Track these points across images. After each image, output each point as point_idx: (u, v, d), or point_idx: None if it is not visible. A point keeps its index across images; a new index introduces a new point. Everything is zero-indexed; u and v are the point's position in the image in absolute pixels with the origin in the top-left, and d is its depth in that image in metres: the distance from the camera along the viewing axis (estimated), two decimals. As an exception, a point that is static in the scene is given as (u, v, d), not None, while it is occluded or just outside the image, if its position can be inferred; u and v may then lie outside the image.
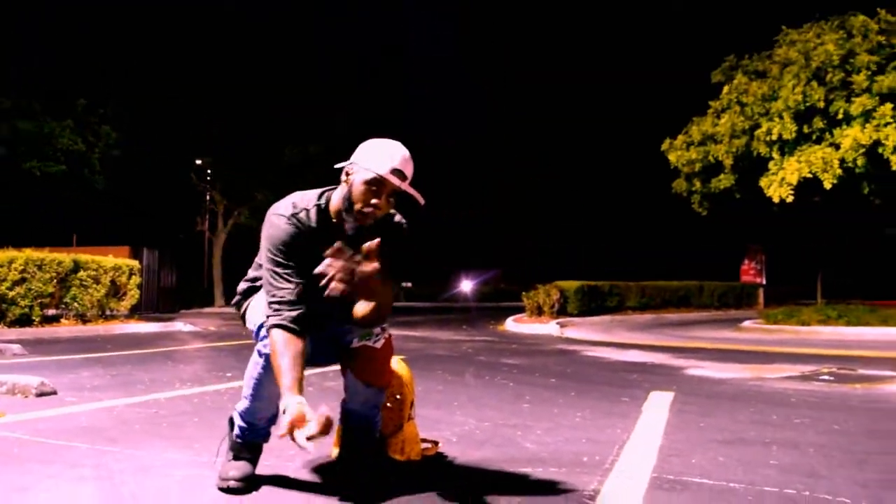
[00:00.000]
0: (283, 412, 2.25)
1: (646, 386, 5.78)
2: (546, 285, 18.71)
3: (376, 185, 2.48)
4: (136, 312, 15.37)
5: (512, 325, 16.21)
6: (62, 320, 12.81)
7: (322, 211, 2.62)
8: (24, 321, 11.79)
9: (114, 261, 14.10)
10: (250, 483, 2.63)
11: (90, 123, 27.26)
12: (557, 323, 15.69)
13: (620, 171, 47.13)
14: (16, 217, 26.39)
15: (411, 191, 2.53)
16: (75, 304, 12.98)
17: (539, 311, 18.27)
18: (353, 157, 2.57)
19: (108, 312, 13.89)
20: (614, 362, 8.06)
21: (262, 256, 2.62)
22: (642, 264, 38.70)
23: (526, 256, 47.86)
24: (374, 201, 2.48)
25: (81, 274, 13.09)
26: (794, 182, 13.43)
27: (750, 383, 6.09)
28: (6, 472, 2.82)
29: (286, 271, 2.53)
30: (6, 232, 21.30)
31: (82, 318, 13.14)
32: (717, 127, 15.62)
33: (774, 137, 13.89)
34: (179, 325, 14.39)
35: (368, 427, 2.80)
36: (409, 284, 47.27)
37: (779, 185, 13.72)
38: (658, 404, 4.82)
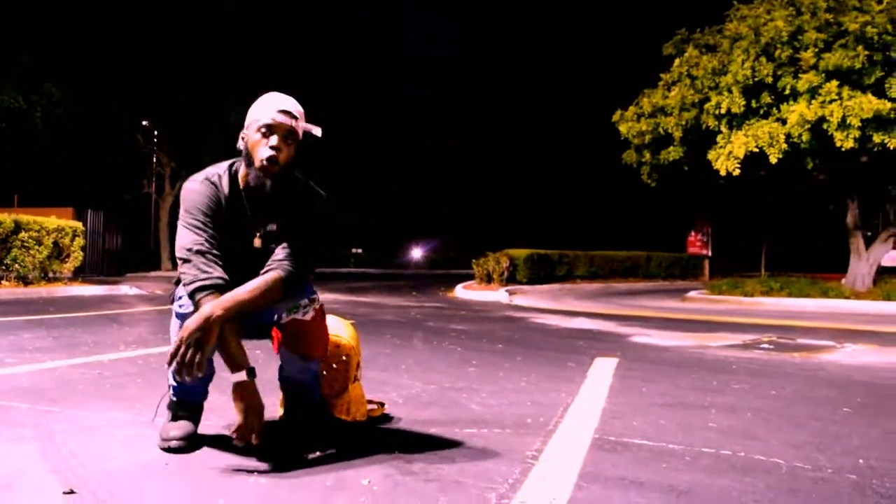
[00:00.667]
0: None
1: (591, 352, 5.87)
2: (496, 253, 18.82)
3: (267, 129, 2.56)
4: (80, 275, 15.10)
5: (461, 292, 16.29)
6: (2, 282, 12.53)
7: (232, 177, 2.67)
8: (-37, 282, 11.51)
9: (57, 222, 13.79)
10: (191, 442, 2.63)
11: (32, 81, 26.48)
12: (506, 290, 15.82)
13: (571, 141, 47.39)
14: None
15: (305, 126, 2.63)
16: (16, 266, 12.69)
17: (489, 279, 18.38)
18: (244, 128, 2.66)
19: (50, 275, 13.62)
20: (561, 329, 8.16)
21: (179, 225, 2.62)
22: (591, 234, 39.13)
23: (476, 224, 47.99)
24: (271, 144, 2.55)
25: (23, 235, 12.79)
26: (741, 156, 13.63)
27: (692, 351, 6.23)
28: (-58, 430, 2.77)
29: (200, 225, 2.56)
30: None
31: (24, 280, 12.86)
32: (668, 99, 15.74)
33: (723, 111, 14.05)
34: (125, 289, 14.17)
35: (306, 391, 2.82)
36: (360, 251, 47.20)
37: (726, 158, 13.92)
38: (602, 369, 4.91)
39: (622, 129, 17.00)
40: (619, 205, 43.93)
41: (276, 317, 2.63)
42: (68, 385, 3.83)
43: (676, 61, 16.15)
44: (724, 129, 14.36)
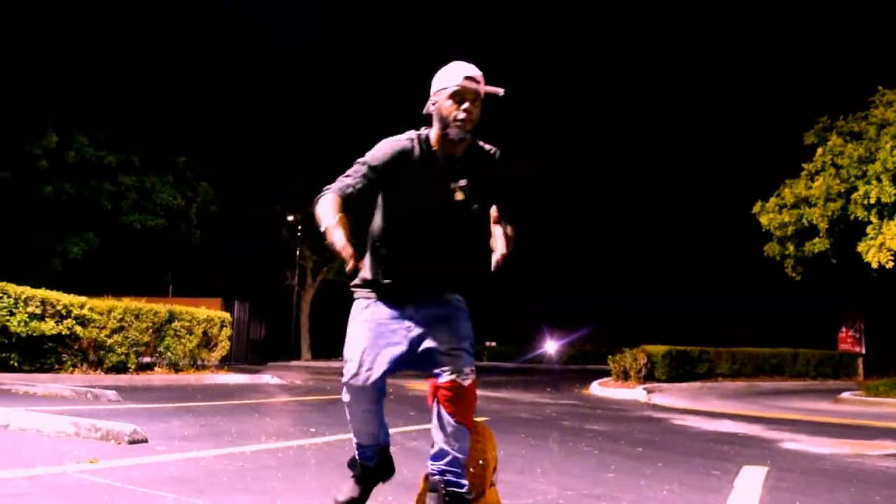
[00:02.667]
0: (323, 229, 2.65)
1: (738, 459, 5.56)
2: (633, 349, 18.33)
3: (458, 95, 2.79)
4: (226, 363, 15.72)
5: (597, 389, 15.91)
6: (156, 368, 13.19)
7: (424, 140, 2.91)
8: (120, 368, 12.19)
9: (206, 312, 14.51)
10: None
11: (188, 179, 28.41)
12: (644, 388, 15.32)
13: (711, 233, 46.21)
14: (116, 267, 27.50)
15: (490, 89, 2.82)
16: (169, 354, 13.36)
17: (625, 376, 17.88)
18: (431, 96, 2.88)
19: (199, 362, 14.24)
20: (704, 432, 7.80)
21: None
22: (733, 330, 37.60)
23: (612, 319, 47.05)
24: (463, 107, 2.78)
25: (176, 324, 13.50)
26: (895, 247, 12.92)
27: (849, 460, 5.80)
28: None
29: (364, 171, 2.85)
30: (107, 281, 22.23)
31: (175, 367, 13.50)
32: (812, 189, 15.20)
33: (872, 201, 13.42)
34: (266, 378, 14.64)
35: (458, 478, 2.83)
36: (493, 343, 47.06)
37: (878, 249, 13.22)
38: (751, 479, 4.63)
39: (763, 220, 16.50)
40: (763, 299, 42.14)
41: (439, 372, 2.81)
42: (213, 476, 3.94)
43: (819, 150, 15.64)
44: (874, 219, 13.68)
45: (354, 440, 3.08)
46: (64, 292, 11.69)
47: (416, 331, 2.89)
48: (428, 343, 2.86)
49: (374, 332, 2.90)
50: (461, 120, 2.77)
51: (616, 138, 55.79)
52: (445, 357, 2.81)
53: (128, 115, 27.11)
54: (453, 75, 2.81)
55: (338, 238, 2.58)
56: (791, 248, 16.21)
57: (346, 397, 2.98)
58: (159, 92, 28.80)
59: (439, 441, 2.83)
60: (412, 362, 2.90)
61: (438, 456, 2.84)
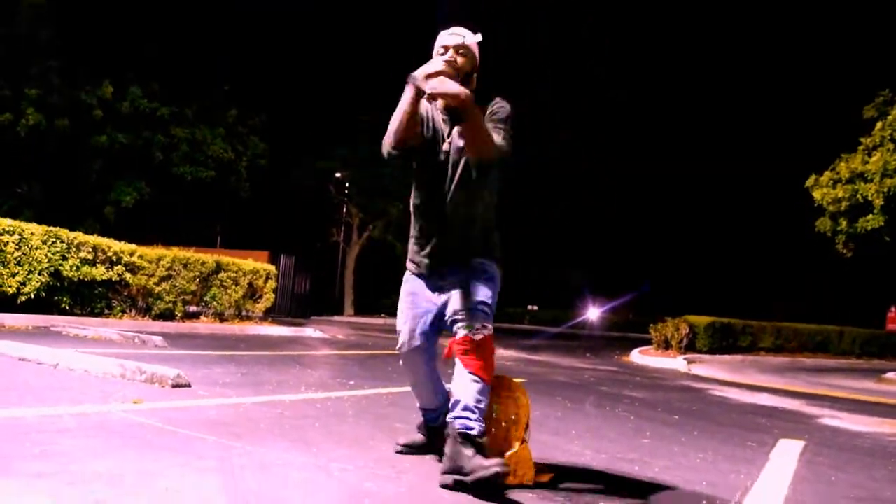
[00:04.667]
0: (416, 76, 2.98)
1: (775, 432, 5.52)
2: (675, 319, 18.18)
3: (442, 50, 3.17)
4: (270, 315, 15.96)
5: (637, 356, 15.84)
6: (202, 317, 13.45)
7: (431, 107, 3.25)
8: (167, 316, 12.46)
9: (253, 264, 14.71)
10: (410, 449, 3.48)
11: (239, 133, 28.68)
12: (685, 358, 15.22)
13: (760, 205, 45.40)
14: (166, 217, 27.99)
15: (471, 40, 3.15)
16: (214, 304, 13.61)
17: (666, 345, 17.77)
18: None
19: (243, 313, 14.49)
20: (742, 404, 7.74)
21: None
22: (778, 304, 37.07)
23: (655, 287, 46.66)
24: (445, 56, 3.11)
25: (222, 275, 13.73)
26: (954, 228, 12.57)
27: (889, 439, 5.72)
28: (138, 456, 2.98)
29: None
30: (157, 230, 22.67)
31: (220, 317, 13.76)
32: (868, 165, 14.82)
33: (933, 179, 13.05)
34: (309, 331, 14.84)
35: (467, 422, 2.95)
36: (535, 308, 47.03)
37: (936, 229, 12.88)
38: (786, 453, 4.59)
39: (816, 195, 16.16)
40: (810, 274, 41.43)
41: (454, 328, 3.03)
42: (252, 422, 4.02)
43: (878, 124, 15.22)
44: (933, 197, 13.31)
45: (417, 403, 3.49)
46: (115, 240, 11.95)
47: (443, 297, 3.19)
48: (450, 306, 3.10)
49: (410, 304, 3.30)
50: (445, 62, 3.00)
51: (669, 106, 54.72)
52: (460, 315, 3.03)
53: (182, 68, 27.36)
54: (441, 37, 3.20)
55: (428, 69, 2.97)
56: (844, 223, 15.88)
57: (402, 365, 3.35)
58: (215, 46, 28.97)
59: (455, 392, 3.00)
60: (444, 327, 3.20)
61: (454, 405, 2.99)
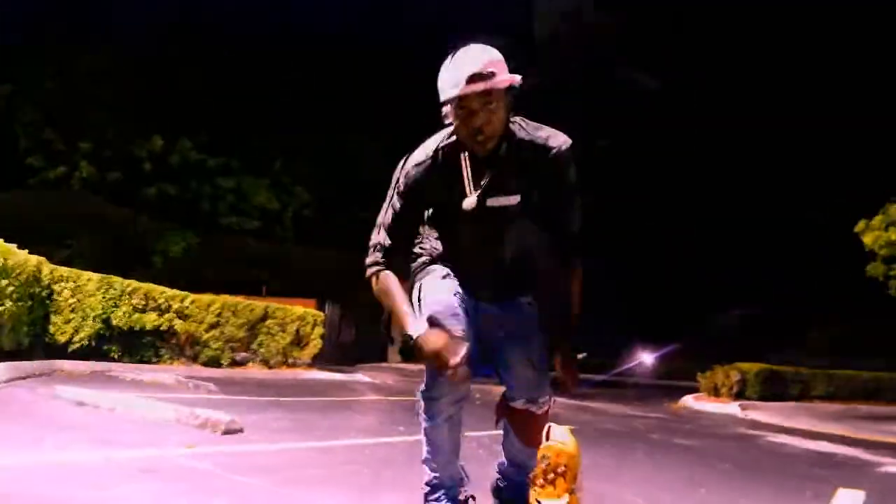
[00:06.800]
0: (415, 337, 2.39)
1: (833, 481, 5.35)
2: (725, 366, 17.85)
3: (463, 107, 2.34)
4: (317, 362, 16.02)
5: (690, 402, 15.56)
6: (248, 364, 13.55)
7: (447, 148, 2.54)
8: (214, 363, 12.56)
9: (300, 310, 14.82)
10: None
11: (284, 183, 29.17)
12: (739, 405, 14.89)
13: (808, 251, 44.65)
14: (212, 266, 28.40)
15: (505, 81, 2.34)
16: (262, 350, 13.70)
17: (716, 392, 17.43)
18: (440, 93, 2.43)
19: (290, 360, 14.55)
20: (798, 452, 7.54)
21: (388, 195, 2.67)
22: (829, 352, 36.13)
23: (704, 335, 45.89)
24: (473, 125, 2.35)
25: (269, 322, 13.84)
26: None
27: (955, 489, 5.52)
28: (190, 501, 3.00)
29: (395, 213, 2.60)
30: (202, 279, 22.99)
31: (267, 364, 13.83)
32: (923, 208, 14.54)
33: None
34: (358, 377, 14.84)
35: (520, 495, 2.79)
36: (585, 355, 46.47)
37: None
38: (846, 502, 4.45)
39: (867, 239, 15.90)
40: (862, 320, 40.40)
41: (513, 396, 2.66)
42: (301, 467, 4.03)
43: (932, 167, 14.94)
44: None
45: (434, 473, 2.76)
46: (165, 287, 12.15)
47: (488, 328, 2.71)
48: (509, 362, 2.69)
49: (449, 291, 2.69)
50: (477, 141, 2.38)
51: (716, 153, 54.42)
52: (524, 383, 2.66)
53: (229, 121, 27.98)
54: (453, 79, 2.33)
55: (432, 347, 2.35)
56: (897, 268, 15.55)
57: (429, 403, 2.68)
58: (262, 100, 29.59)
59: (506, 457, 2.83)
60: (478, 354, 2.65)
61: (505, 472, 2.85)
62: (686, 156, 51.17)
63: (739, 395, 17.12)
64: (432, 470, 2.69)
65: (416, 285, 2.73)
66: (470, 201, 2.49)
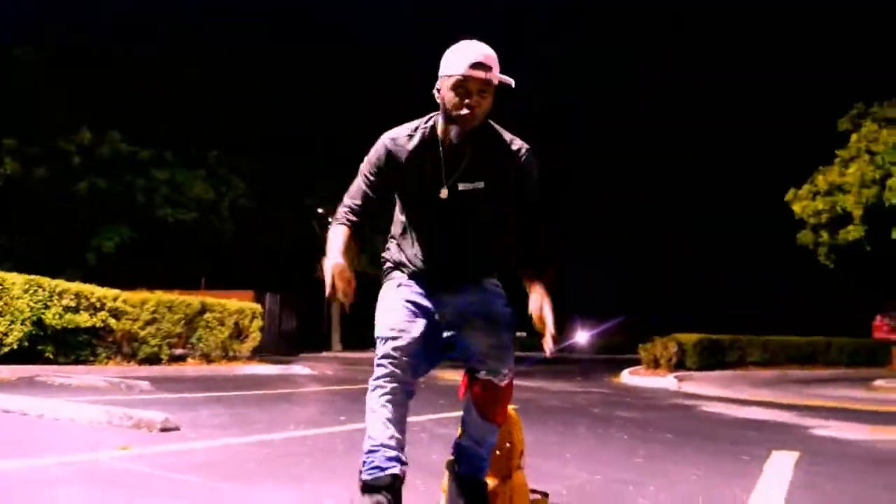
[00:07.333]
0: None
1: (767, 445, 5.50)
2: (663, 338, 18.20)
3: (461, 86, 2.54)
4: (257, 354, 15.83)
5: (627, 377, 15.83)
6: (188, 360, 13.33)
7: (430, 129, 2.71)
8: (153, 359, 12.32)
9: (238, 304, 14.61)
10: None
11: (220, 174, 28.67)
12: (675, 377, 15.21)
13: (742, 220, 45.81)
14: (149, 260, 27.84)
15: (500, 78, 2.56)
16: (201, 345, 13.49)
17: (656, 364, 17.77)
18: (438, 79, 2.63)
19: (230, 354, 14.35)
20: (734, 419, 7.74)
21: (362, 166, 2.82)
22: (764, 318, 37.20)
23: (642, 308, 46.77)
24: (466, 101, 2.54)
25: (207, 316, 13.62)
26: (933, 234, 12.70)
27: (882, 446, 5.72)
28: (124, 502, 2.94)
29: (363, 183, 2.79)
30: (139, 274, 22.51)
31: (207, 358, 13.62)
32: (846, 177, 15.00)
33: (910, 187, 13.21)
34: (297, 368, 14.72)
35: (475, 472, 2.80)
36: (524, 334, 47.01)
37: (915, 237, 13.00)
38: (780, 465, 4.58)
39: (796, 208, 16.32)
40: (794, 287, 41.67)
41: (476, 367, 2.68)
42: (241, 462, 3.98)
43: (853, 136, 15.41)
44: (911, 206, 13.45)
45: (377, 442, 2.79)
46: (98, 286, 11.85)
47: (449, 314, 2.75)
48: (469, 339, 2.71)
49: (409, 315, 2.76)
50: (463, 116, 2.54)
51: (653, 127, 55.30)
52: (484, 357, 2.67)
53: (161, 111, 27.37)
54: (459, 61, 2.53)
55: (326, 277, 2.71)
56: (825, 235, 16.03)
57: (379, 397, 2.78)
58: (193, 88, 28.99)
59: (466, 434, 2.81)
60: (438, 345, 2.77)
61: (463, 449, 2.82)
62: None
63: (679, 366, 17.48)
64: (371, 438, 2.72)
65: (380, 293, 2.91)
66: (443, 188, 2.68)
